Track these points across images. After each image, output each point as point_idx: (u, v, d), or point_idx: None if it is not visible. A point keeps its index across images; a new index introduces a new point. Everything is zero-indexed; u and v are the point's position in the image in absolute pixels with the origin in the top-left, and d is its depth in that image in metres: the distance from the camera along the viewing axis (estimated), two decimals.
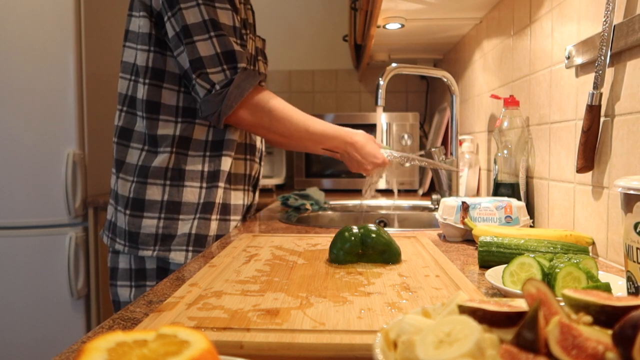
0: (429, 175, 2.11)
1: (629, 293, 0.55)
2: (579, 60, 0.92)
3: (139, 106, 1.15)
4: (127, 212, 1.15)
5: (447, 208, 1.05)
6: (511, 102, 1.21)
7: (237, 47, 1.10)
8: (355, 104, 2.76)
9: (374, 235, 0.79)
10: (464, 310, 0.35)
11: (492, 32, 1.55)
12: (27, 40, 2.03)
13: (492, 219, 1.02)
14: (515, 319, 0.33)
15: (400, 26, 1.74)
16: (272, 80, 2.74)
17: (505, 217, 1.02)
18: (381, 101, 1.40)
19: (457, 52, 2.07)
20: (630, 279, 0.54)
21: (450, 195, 1.55)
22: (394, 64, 1.42)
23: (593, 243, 0.88)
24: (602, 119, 0.86)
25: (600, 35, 0.82)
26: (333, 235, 0.87)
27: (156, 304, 0.62)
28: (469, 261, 0.86)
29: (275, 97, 1.16)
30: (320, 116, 2.08)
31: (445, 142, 2.06)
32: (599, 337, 0.31)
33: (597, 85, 0.83)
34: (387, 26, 1.74)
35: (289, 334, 0.49)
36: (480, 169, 1.64)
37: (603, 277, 0.65)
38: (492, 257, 0.80)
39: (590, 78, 0.90)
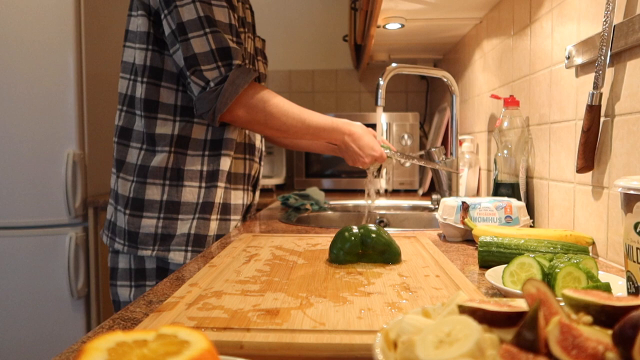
0: (429, 175, 2.11)
1: (629, 293, 0.55)
2: (579, 60, 0.92)
3: (138, 105, 1.15)
4: (127, 211, 1.15)
5: (447, 208, 1.05)
6: (511, 102, 1.21)
7: (232, 44, 1.10)
8: (355, 104, 2.76)
9: (374, 235, 0.79)
10: (464, 310, 0.35)
11: (492, 32, 1.55)
12: (27, 40, 2.04)
13: (492, 219, 1.02)
14: (515, 319, 0.33)
15: (400, 26, 1.74)
16: (272, 80, 2.74)
17: (505, 217, 1.02)
18: (381, 101, 1.40)
19: (457, 52, 2.07)
20: (630, 279, 0.54)
21: (450, 195, 1.55)
22: (394, 64, 1.42)
23: (593, 243, 0.88)
24: (602, 119, 0.86)
25: (600, 35, 0.82)
26: (333, 235, 0.87)
27: (156, 304, 0.62)
28: (469, 261, 0.86)
29: (269, 93, 1.15)
30: None
31: (445, 142, 2.06)
32: (599, 337, 0.31)
33: (597, 85, 0.83)
34: (387, 26, 1.74)
35: (289, 334, 0.49)
36: (480, 169, 1.64)
37: (603, 277, 0.65)
38: (492, 257, 0.80)
39: (590, 78, 0.90)
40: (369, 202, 1.40)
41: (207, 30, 1.07)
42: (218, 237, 1.19)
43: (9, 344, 2.02)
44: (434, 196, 1.64)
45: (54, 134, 2.06)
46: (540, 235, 0.87)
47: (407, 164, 1.34)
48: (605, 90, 0.84)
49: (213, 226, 1.18)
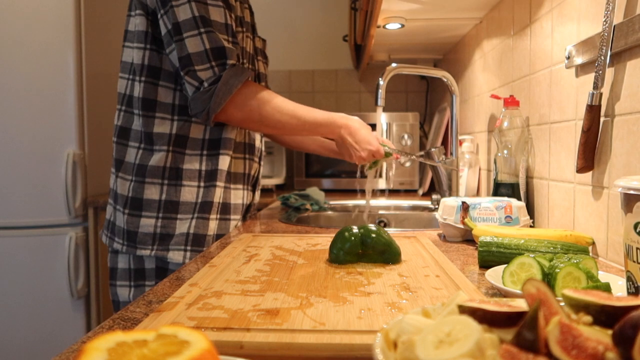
0: (429, 175, 2.11)
1: (629, 293, 0.55)
2: (579, 60, 0.92)
3: (136, 104, 1.15)
4: (126, 211, 1.15)
5: (447, 208, 1.05)
6: (511, 102, 1.21)
7: (226, 44, 1.09)
8: (355, 104, 2.76)
9: (374, 235, 0.79)
10: (464, 310, 0.35)
11: (492, 32, 1.55)
12: (27, 40, 2.04)
13: (492, 219, 1.02)
14: (515, 319, 0.33)
15: (400, 26, 1.74)
16: (272, 80, 2.74)
17: (505, 217, 1.02)
18: (381, 101, 1.40)
19: (457, 52, 2.07)
20: (630, 279, 0.54)
21: (450, 195, 1.55)
22: (394, 64, 1.42)
23: (593, 243, 0.88)
24: (602, 119, 0.86)
25: (600, 35, 0.82)
26: (333, 235, 0.87)
27: (156, 304, 0.62)
28: (469, 261, 0.86)
29: (264, 91, 1.15)
30: None
31: (445, 142, 2.06)
32: (599, 337, 0.31)
33: (597, 85, 0.83)
34: (387, 26, 1.74)
35: (289, 334, 0.49)
36: (480, 169, 1.64)
37: (603, 277, 0.65)
38: (492, 257, 0.80)
39: (590, 78, 0.90)
40: (364, 201, 1.40)
41: (202, 30, 1.07)
42: (218, 236, 1.19)
43: (9, 344, 2.02)
44: (434, 196, 1.64)
45: (54, 134, 2.06)
46: (540, 235, 0.87)
47: (408, 164, 1.34)
48: (605, 90, 0.84)
49: (212, 226, 1.18)
